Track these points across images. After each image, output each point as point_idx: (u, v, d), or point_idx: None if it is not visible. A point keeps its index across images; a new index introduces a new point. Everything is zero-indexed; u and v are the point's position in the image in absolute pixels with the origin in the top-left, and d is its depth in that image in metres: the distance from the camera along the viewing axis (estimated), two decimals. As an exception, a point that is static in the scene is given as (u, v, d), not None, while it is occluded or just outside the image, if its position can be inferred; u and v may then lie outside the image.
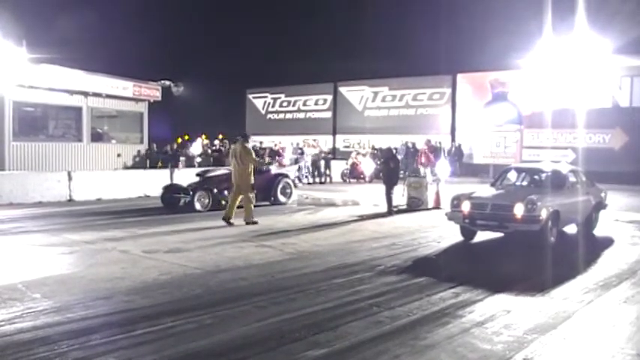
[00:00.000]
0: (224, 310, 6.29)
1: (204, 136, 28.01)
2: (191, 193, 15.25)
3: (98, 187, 18.23)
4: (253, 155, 13.22)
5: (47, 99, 22.61)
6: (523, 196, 10.22)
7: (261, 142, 29.33)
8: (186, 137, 28.64)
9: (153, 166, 23.98)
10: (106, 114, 25.52)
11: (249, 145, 13.36)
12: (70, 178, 17.82)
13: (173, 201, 15.49)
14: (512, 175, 12.37)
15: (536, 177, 12.00)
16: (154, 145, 26.08)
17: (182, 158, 25.80)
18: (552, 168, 12.06)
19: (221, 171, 16.82)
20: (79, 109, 23.79)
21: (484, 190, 11.63)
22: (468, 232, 11.02)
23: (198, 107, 31.82)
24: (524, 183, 12.02)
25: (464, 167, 27.84)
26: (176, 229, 12.06)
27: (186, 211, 14.81)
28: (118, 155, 23.97)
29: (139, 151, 25.58)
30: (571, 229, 11.76)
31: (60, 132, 23.80)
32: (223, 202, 14.75)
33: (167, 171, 20.43)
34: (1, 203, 16.13)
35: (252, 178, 12.94)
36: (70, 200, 17.47)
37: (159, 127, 27.72)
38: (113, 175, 19.73)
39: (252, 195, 12.96)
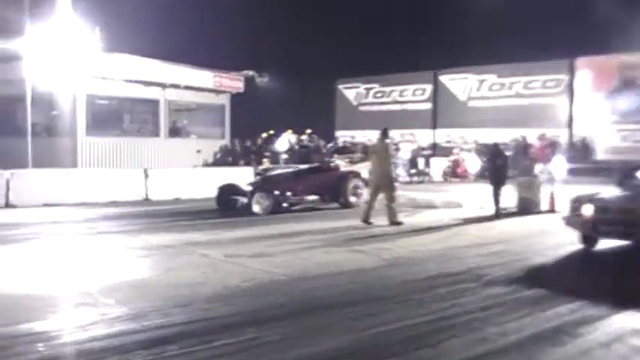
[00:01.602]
0: (312, 321, 6.27)
1: (290, 131, 28.20)
2: (249, 194, 15.41)
3: (176, 185, 18.77)
4: (391, 152, 13.76)
5: (122, 91, 23.45)
6: None
7: (352, 138, 29.34)
8: (271, 132, 28.94)
9: (235, 164, 24.38)
10: (185, 107, 26.35)
11: (389, 141, 13.94)
12: (146, 176, 18.41)
13: (229, 203, 15.76)
14: (637, 174, 11.65)
15: None
16: (237, 141, 26.49)
17: (266, 155, 26.09)
18: None
19: (283, 170, 17.07)
20: (155, 102, 24.61)
21: (609, 192, 11.03)
22: (588, 240, 10.47)
23: (284, 99, 32.12)
24: None
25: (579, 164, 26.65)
26: (261, 232, 12.19)
27: (245, 215, 14.98)
28: (198, 151, 24.54)
29: (220, 147, 26.20)
30: None
31: (136, 126, 24.66)
32: (285, 205, 15.32)
33: (250, 169, 20.80)
34: (73, 202, 16.83)
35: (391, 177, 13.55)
36: (147, 199, 18.06)
37: (241, 121, 28.17)
38: (192, 173, 20.37)
39: (394, 194, 13.35)
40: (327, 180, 16.53)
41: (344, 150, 26.32)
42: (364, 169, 18.79)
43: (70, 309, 6.68)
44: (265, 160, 24.91)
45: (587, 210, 10.04)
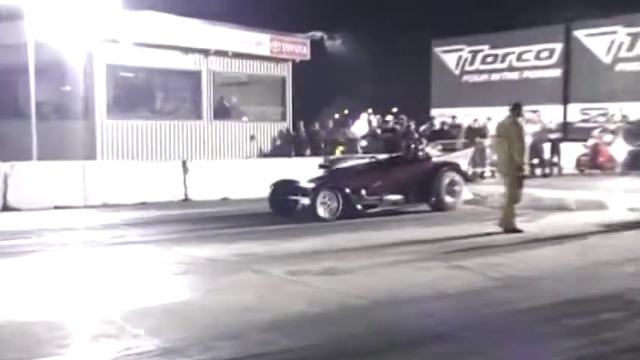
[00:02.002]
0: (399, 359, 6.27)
1: (370, 111, 28.20)
2: (312, 193, 15.48)
3: (223, 181, 19.21)
4: (523, 135, 13.74)
5: (153, 60, 23.68)
6: None
7: (453, 118, 29.08)
8: (345, 112, 29.05)
9: (299, 153, 24.57)
10: (234, 80, 26.77)
11: (521, 120, 14.27)
12: (185, 170, 18.85)
13: (287, 205, 16.02)
14: None
15: None
16: (301, 124, 26.74)
17: (340, 142, 26.16)
18: None
19: (356, 162, 17.20)
20: (196, 74, 24.98)
21: None
22: None
23: (362, 69, 32.15)
24: None
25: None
26: (330, 242, 12.37)
27: (306, 220, 15.18)
28: (251, 138, 24.79)
29: (279, 132, 26.59)
30: None
31: (171, 106, 25.18)
32: (359, 207, 15.82)
33: (319, 160, 20.67)
34: (92, 204, 17.23)
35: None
36: (186, 200, 18.51)
37: (307, 99, 28.37)
38: (244, 166, 20.83)
39: (519, 192, 13.66)
40: (413, 174, 16.94)
41: (442, 134, 26.12)
42: (462, 158, 19.00)
43: (89, 341, 6.79)
44: (339, 148, 24.96)
45: None
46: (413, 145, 18.51)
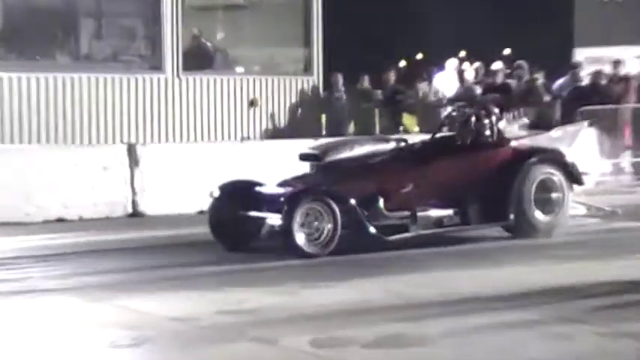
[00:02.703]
0: None
1: (462, 55, 28.21)
2: (286, 207, 14.74)
3: (199, 181, 19.28)
4: None
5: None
6: None
7: (615, 64, 29.00)
8: (419, 57, 29.05)
9: (336, 130, 24.52)
10: (220, 2, 27.24)
11: None
12: (133, 161, 19.05)
13: (242, 228, 15.66)
14: None
15: None
16: (339, 78, 26.84)
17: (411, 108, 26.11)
18: None
19: (370, 147, 16.54)
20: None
21: None
22: None
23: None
24: None
25: None
26: (364, 295, 12.41)
27: (273, 255, 15.13)
28: (251, 104, 24.81)
29: (302, 93, 26.73)
30: None
31: (106, 48, 25.08)
32: (374, 231, 14.94)
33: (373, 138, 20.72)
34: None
35: None
36: (134, 214, 18.44)
37: (349, 34, 28.39)
38: (237, 153, 21.28)
39: None
40: (475, 172, 16.16)
41: (595, 93, 26.03)
42: (565, 141, 18.24)
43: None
44: (409, 118, 24.87)
45: None
46: (477, 120, 16.94)
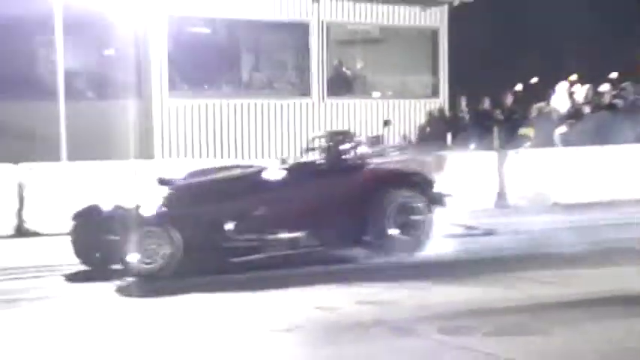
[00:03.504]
0: None
1: (574, 78, 27.49)
2: (120, 231, 13.45)
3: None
4: None
5: (235, 9, 23.60)
6: None
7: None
8: (534, 80, 28.33)
9: (461, 144, 23.95)
10: (359, 36, 26.72)
11: None
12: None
13: (98, 252, 14.07)
14: None
15: None
16: (463, 101, 26.43)
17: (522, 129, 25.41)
18: None
19: (226, 172, 15.26)
20: (302, 28, 24.85)
21: None
22: None
23: (562, 14, 31.49)
24: None
25: None
26: (518, 283, 12.29)
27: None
28: (386, 123, 24.28)
29: (429, 114, 26.33)
30: None
31: (263, 77, 24.79)
32: (220, 253, 13.74)
33: (492, 154, 21.15)
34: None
35: None
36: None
37: (470, 62, 27.70)
38: None
39: None
40: (333, 195, 14.43)
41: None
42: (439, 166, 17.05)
43: None
44: (527, 132, 24.10)
45: None
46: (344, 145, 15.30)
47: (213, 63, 24.12)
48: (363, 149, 15.41)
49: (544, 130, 25.02)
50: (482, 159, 21.16)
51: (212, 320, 10.54)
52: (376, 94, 26.32)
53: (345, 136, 15.60)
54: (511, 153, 21.63)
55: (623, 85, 27.70)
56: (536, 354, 8.61)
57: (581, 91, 27.46)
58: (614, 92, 27.57)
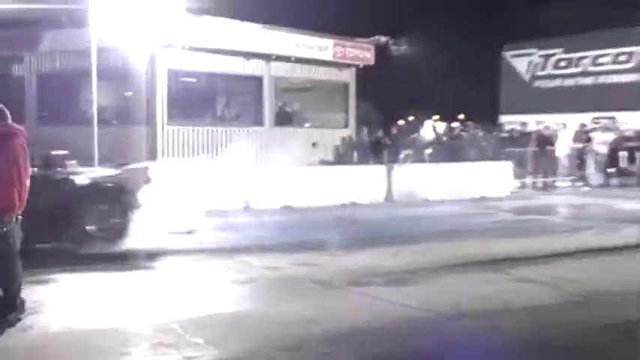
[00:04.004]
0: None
1: (436, 118, 28.16)
2: None
3: (284, 189, 18.91)
4: None
5: (214, 66, 23.78)
6: None
7: (523, 125, 28.90)
8: (411, 119, 28.97)
9: (363, 161, 24.54)
10: (297, 86, 26.82)
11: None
12: (245, 178, 18.71)
13: None
14: None
15: None
16: (365, 131, 26.62)
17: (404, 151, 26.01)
18: None
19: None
20: (258, 80, 25.02)
21: None
22: None
23: (429, 75, 32.09)
24: None
25: None
26: (402, 251, 12.26)
27: None
28: (314, 145, 24.74)
29: (342, 139, 26.47)
30: None
31: (232, 112, 25.14)
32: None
33: (382, 168, 21.08)
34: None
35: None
36: (246, 208, 18.21)
37: (371, 105, 28.37)
38: (306, 173, 20.45)
39: None
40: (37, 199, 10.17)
41: (511, 142, 25.99)
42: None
43: (147, 350, 6.83)
44: (405, 154, 24.86)
45: None
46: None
47: (198, 102, 24.10)
48: (75, 167, 13.46)
49: (417, 151, 25.72)
50: (376, 170, 21.10)
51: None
52: (307, 124, 26.38)
53: (61, 157, 13.41)
54: (396, 167, 21.58)
55: (467, 123, 28.35)
56: (409, 297, 8.84)
57: (441, 126, 27.86)
58: (461, 127, 28.19)
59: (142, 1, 20.58)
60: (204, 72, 23.94)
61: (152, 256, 11.80)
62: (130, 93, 23.03)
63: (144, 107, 22.59)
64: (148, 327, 7.58)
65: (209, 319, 7.95)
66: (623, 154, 25.64)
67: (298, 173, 20.16)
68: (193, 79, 24.41)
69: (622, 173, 25.37)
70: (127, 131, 22.29)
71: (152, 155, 21.74)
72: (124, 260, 11.36)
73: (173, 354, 6.65)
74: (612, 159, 25.39)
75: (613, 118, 28.72)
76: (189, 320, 7.81)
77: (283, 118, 25.86)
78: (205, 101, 24.75)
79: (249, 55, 24.28)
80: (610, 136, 26.34)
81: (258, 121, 25.19)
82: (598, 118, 28.68)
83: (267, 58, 24.78)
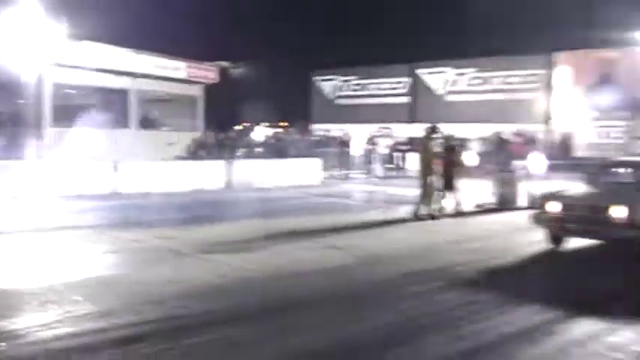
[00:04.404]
0: (285, 320, 6.32)
1: (265, 124, 28.39)
2: None
3: (147, 179, 18.50)
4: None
5: (90, 81, 23.21)
6: (624, 197, 9.51)
7: (328, 131, 29.47)
8: (246, 124, 29.00)
9: (208, 157, 24.26)
10: (157, 98, 26.22)
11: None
12: (115, 169, 18.09)
13: None
14: (614, 171, 11.48)
15: None
16: (210, 133, 26.45)
17: (240, 149, 25.99)
18: None
19: None
20: (125, 92, 24.47)
21: (577, 189, 10.94)
22: (556, 238, 10.38)
23: (259, 91, 32.19)
24: (629, 181, 11.00)
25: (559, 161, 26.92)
26: (238, 226, 12.19)
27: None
28: (170, 144, 24.40)
29: (193, 140, 26.05)
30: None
31: (104, 118, 24.22)
32: None
33: (223, 162, 20.82)
34: (38, 195, 16.48)
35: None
36: (116, 193, 17.64)
37: (215, 113, 28.17)
38: (164, 166, 20.04)
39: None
40: None
41: (321, 144, 26.39)
42: None
43: (36, 306, 6.60)
44: (241, 151, 24.89)
45: (554, 207, 10.01)
46: None
47: (77, 109, 22.51)
48: None
49: (250, 149, 25.81)
50: (219, 164, 20.58)
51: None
52: (165, 128, 25.92)
53: None
54: (234, 161, 21.20)
55: (288, 129, 28.81)
56: (246, 261, 8.84)
57: (268, 131, 28.28)
58: (283, 132, 28.59)
59: (32, 29, 20.00)
60: (82, 85, 23.46)
61: (39, 230, 11.39)
62: (22, 101, 21.87)
63: (33, 112, 21.68)
64: (37, 288, 7.30)
65: (87, 281, 7.75)
66: (397, 155, 26.55)
67: (158, 166, 19.82)
68: (74, 91, 23.78)
69: (397, 168, 26.29)
70: (19, 132, 21.33)
71: (40, 151, 20.74)
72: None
73: (56, 309, 6.48)
74: (391, 158, 26.27)
75: (389, 128, 29.73)
76: (71, 282, 7.61)
77: (146, 123, 25.39)
78: (83, 108, 23.63)
79: (118, 73, 23.92)
80: (389, 141, 27.24)
81: (126, 125, 24.59)
82: (381, 128, 29.56)
83: (133, 75, 24.43)
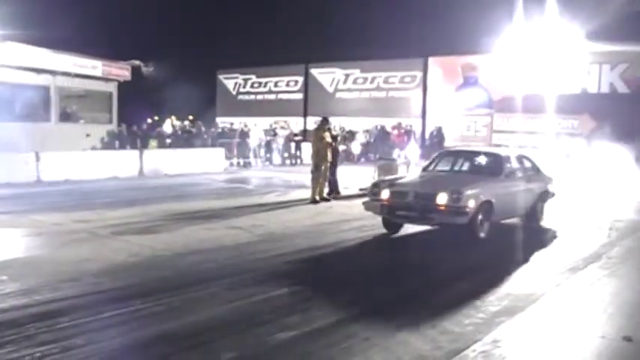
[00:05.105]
0: (193, 293, 6.35)
1: (173, 117, 27.89)
2: None
3: (66, 168, 17.84)
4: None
5: (13, 78, 22.02)
6: (450, 184, 9.24)
7: (231, 124, 29.28)
8: (156, 118, 28.41)
9: (122, 147, 23.70)
10: (75, 94, 25.12)
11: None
12: (37, 159, 17.35)
13: None
14: (447, 160, 11.16)
15: (472, 163, 10.74)
16: (124, 126, 25.71)
17: (153, 138, 25.43)
18: (490, 153, 11.23)
19: None
20: (46, 89, 23.35)
21: (410, 176, 10.87)
22: (390, 224, 9.91)
23: (169, 88, 31.56)
24: (459, 169, 10.84)
25: (435, 151, 27.98)
26: (149, 210, 12.00)
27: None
28: (87, 136, 23.62)
29: (107, 132, 25.17)
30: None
31: (27, 112, 23.27)
32: None
33: (136, 152, 20.33)
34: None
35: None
36: (38, 181, 17.07)
37: (128, 108, 27.38)
38: (82, 156, 19.35)
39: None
40: None
41: (224, 135, 26.19)
42: None
43: (-37, 286, 6.37)
44: (152, 143, 24.37)
45: (386, 194, 9.54)
46: None
47: (1, 105, 21.59)
48: None
49: (160, 140, 25.26)
50: (131, 154, 20.12)
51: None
52: (82, 121, 24.85)
53: None
54: (145, 151, 20.64)
55: (195, 121, 28.41)
56: (155, 241, 8.76)
57: (177, 124, 27.89)
58: (191, 125, 28.16)
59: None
60: (7, 82, 21.93)
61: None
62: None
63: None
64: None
65: (11, 262, 7.56)
66: (292, 145, 26.71)
67: (76, 156, 19.15)
68: (-1, 88, 22.48)
69: (292, 157, 26.47)
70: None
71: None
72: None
73: (-16, 288, 6.28)
74: (287, 147, 26.41)
75: (286, 121, 29.90)
76: (-4, 263, 7.36)
77: (65, 117, 24.31)
78: (7, 104, 22.46)
79: (40, 71, 22.78)
80: (286, 132, 27.37)
81: (47, 119, 23.50)
82: (279, 121, 29.67)
83: (53, 73, 23.27)
